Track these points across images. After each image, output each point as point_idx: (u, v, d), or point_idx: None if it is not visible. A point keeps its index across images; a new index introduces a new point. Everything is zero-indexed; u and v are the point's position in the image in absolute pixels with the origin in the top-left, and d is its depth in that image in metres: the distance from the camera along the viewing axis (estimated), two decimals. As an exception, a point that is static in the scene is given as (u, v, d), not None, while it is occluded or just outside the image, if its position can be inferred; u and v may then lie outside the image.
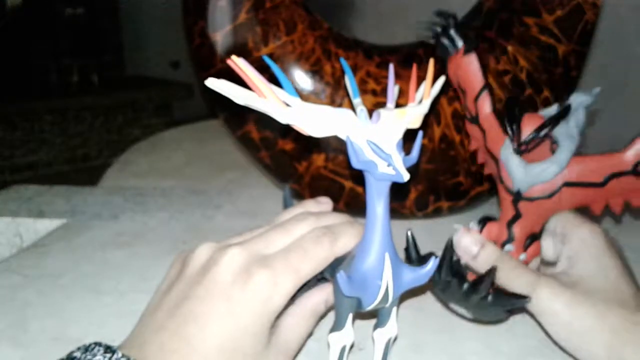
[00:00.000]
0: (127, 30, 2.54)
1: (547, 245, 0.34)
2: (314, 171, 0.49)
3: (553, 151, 0.33)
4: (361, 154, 0.23)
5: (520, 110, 0.33)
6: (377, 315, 0.28)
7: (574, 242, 0.32)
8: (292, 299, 0.28)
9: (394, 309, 0.28)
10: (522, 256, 0.33)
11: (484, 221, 0.35)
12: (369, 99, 0.47)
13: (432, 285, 0.33)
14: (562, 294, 0.29)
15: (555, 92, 0.49)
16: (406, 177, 0.23)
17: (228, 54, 0.47)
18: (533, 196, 0.32)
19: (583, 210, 0.33)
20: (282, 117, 0.23)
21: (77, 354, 0.24)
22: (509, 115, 0.33)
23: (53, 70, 2.31)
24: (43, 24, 2.24)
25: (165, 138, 0.90)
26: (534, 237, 0.34)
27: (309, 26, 0.49)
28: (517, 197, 0.33)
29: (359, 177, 0.46)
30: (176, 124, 1.07)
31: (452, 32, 0.36)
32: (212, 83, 0.22)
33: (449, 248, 0.31)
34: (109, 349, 0.24)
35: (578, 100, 0.33)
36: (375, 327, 0.28)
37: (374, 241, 0.25)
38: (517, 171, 0.32)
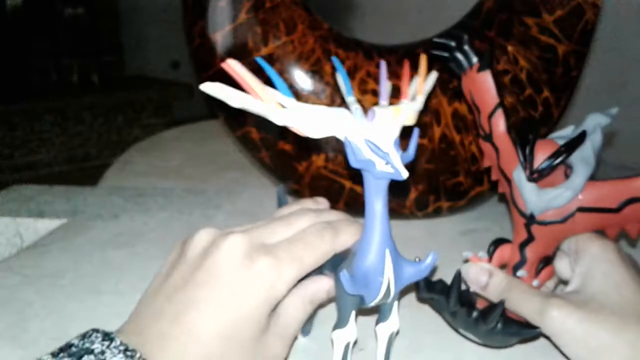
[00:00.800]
0: (127, 30, 2.54)
1: (563, 266, 0.34)
2: (314, 171, 0.49)
3: (567, 175, 0.32)
4: (359, 153, 0.23)
5: (534, 136, 0.32)
6: (378, 311, 0.28)
7: (586, 259, 0.31)
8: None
9: (395, 303, 0.28)
10: (535, 282, 0.33)
11: (496, 243, 0.35)
12: (369, 99, 0.47)
13: (436, 306, 0.33)
14: (574, 313, 0.29)
15: (555, 92, 0.49)
16: (405, 174, 0.23)
17: (228, 54, 0.47)
18: (546, 220, 0.32)
19: (597, 231, 0.33)
20: (279, 118, 0.23)
21: (75, 341, 0.24)
22: (521, 141, 0.32)
23: (53, 70, 2.31)
24: (43, 24, 2.24)
25: (165, 138, 0.90)
26: (547, 261, 0.33)
27: (309, 26, 0.49)
28: (530, 220, 0.32)
29: (357, 176, 0.46)
30: (176, 124, 1.07)
31: (467, 47, 0.35)
32: (207, 87, 0.22)
33: (457, 277, 0.31)
34: (107, 336, 0.24)
35: (595, 121, 0.32)
36: (378, 322, 0.28)
37: (374, 238, 0.25)
38: (530, 195, 0.32)
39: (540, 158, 0.31)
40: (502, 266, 0.35)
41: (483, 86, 0.35)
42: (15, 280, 0.41)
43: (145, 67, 2.60)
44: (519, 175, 0.32)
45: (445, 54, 0.36)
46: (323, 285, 0.29)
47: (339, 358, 0.27)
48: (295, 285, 0.28)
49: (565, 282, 0.34)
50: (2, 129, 1.99)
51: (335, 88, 0.47)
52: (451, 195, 0.50)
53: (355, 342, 0.28)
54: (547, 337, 0.31)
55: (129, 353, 0.23)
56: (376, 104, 0.26)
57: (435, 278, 0.41)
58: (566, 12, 0.47)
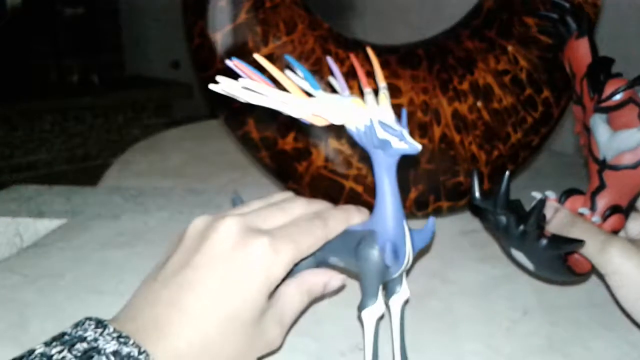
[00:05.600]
0: (127, 30, 2.54)
1: (634, 226, 0.35)
2: (314, 171, 0.49)
3: None
4: (375, 135, 0.25)
5: (605, 74, 0.34)
6: (386, 287, 0.29)
7: None
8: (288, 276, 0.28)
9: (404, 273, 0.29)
10: (595, 218, 0.34)
11: (567, 193, 0.36)
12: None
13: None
14: (635, 256, 0.29)
15: (555, 92, 0.49)
16: (419, 147, 0.24)
17: (228, 54, 0.47)
18: (618, 165, 0.33)
19: None
20: (301, 109, 0.25)
21: (68, 330, 0.24)
22: (593, 76, 0.34)
23: (53, 70, 2.31)
24: (43, 24, 2.24)
25: (165, 138, 0.90)
26: (615, 209, 0.34)
27: (309, 26, 0.49)
28: (603, 166, 0.33)
29: (357, 175, 0.46)
30: (176, 124, 1.07)
31: (568, 18, 0.38)
32: (219, 87, 0.23)
33: (543, 201, 0.31)
34: (100, 324, 0.24)
35: None
36: (389, 295, 0.29)
37: (392, 213, 0.27)
38: (602, 137, 0.33)
39: (610, 90, 0.33)
40: None
41: (579, 52, 0.37)
42: (15, 280, 0.41)
43: (145, 67, 2.60)
44: (594, 120, 0.34)
45: (555, 16, 0.40)
46: (321, 278, 0.30)
47: (370, 335, 0.27)
48: (293, 276, 0.29)
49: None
50: (2, 129, 1.99)
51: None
52: (451, 195, 0.50)
53: (382, 317, 0.28)
54: (601, 278, 0.31)
55: (122, 339, 0.23)
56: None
57: (435, 279, 0.41)
58: (566, 12, 0.47)
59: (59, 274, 0.42)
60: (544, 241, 0.31)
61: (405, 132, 0.25)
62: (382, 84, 0.26)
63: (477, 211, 0.34)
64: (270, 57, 0.47)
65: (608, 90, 0.33)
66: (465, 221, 0.52)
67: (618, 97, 0.33)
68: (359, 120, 0.25)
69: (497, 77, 0.48)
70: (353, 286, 0.32)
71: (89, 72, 2.35)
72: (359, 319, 0.28)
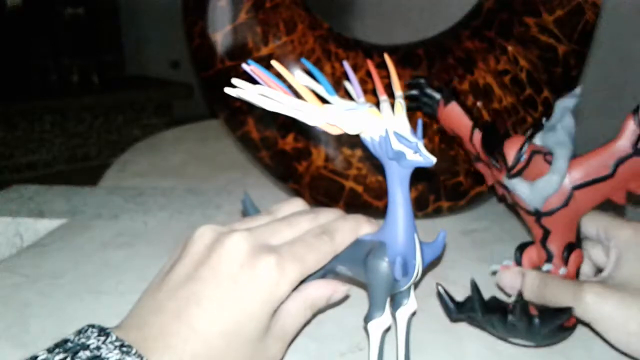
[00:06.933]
0: (127, 30, 2.54)
1: (597, 253, 0.34)
2: (314, 171, 0.49)
3: (549, 163, 0.33)
4: (389, 146, 0.24)
5: (499, 138, 0.33)
6: (394, 298, 0.29)
7: (619, 244, 0.32)
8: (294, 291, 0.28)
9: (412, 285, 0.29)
10: (562, 270, 0.34)
11: (521, 248, 0.36)
12: (370, 98, 0.47)
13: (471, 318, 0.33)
14: (610, 297, 0.29)
15: (555, 92, 0.49)
16: (434, 159, 0.24)
17: (228, 54, 0.47)
18: (551, 209, 0.33)
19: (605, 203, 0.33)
20: (317, 117, 0.24)
21: (71, 337, 0.24)
22: (488, 147, 0.34)
23: (53, 70, 2.31)
24: (43, 24, 2.24)
25: (165, 138, 0.90)
26: (570, 247, 0.34)
27: (309, 26, 0.49)
28: (539, 215, 0.33)
29: (360, 176, 0.46)
30: (176, 124, 1.07)
31: (428, 90, 0.39)
32: (235, 92, 0.23)
33: (474, 287, 0.31)
34: (102, 331, 0.24)
35: (562, 105, 0.33)
36: (397, 307, 0.29)
37: (404, 226, 0.26)
38: (524, 192, 0.33)
39: (512, 154, 0.32)
40: (537, 269, 0.35)
41: (454, 116, 0.38)
42: (15, 280, 0.41)
43: (145, 67, 2.61)
44: (510, 183, 0.34)
45: (416, 93, 0.40)
46: (325, 291, 0.29)
47: (376, 347, 0.27)
48: (297, 289, 0.28)
49: (602, 270, 0.35)
50: (2, 129, 1.99)
51: (335, 88, 0.47)
52: (451, 195, 0.50)
53: (388, 329, 0.28)
54: (589, 326, 0.31)
55: (124, 349, 0.23)
56: (375, 102, 0.27)
57: (435, 279, 0.41)
58: (566, 12, 0.47)
59: (59, 274, 0.42)
60: (537, 320, 0.31)
61: (421, 144, 0.24)
62: (398, 92, 0.26)
63: (460, 319, 0.34)
64: (270, 57, 0.47)
65: (510, 154, 0.32)
66: (466, 221, 0.52)
67: (523, 157, 0.32)
68: (374, 131, 0.25)
69: (497, 77, 0.48)
70: (354, 287, 0.32)
71: (89, 72, 2.35)
72: (365, 330, 0.27)
